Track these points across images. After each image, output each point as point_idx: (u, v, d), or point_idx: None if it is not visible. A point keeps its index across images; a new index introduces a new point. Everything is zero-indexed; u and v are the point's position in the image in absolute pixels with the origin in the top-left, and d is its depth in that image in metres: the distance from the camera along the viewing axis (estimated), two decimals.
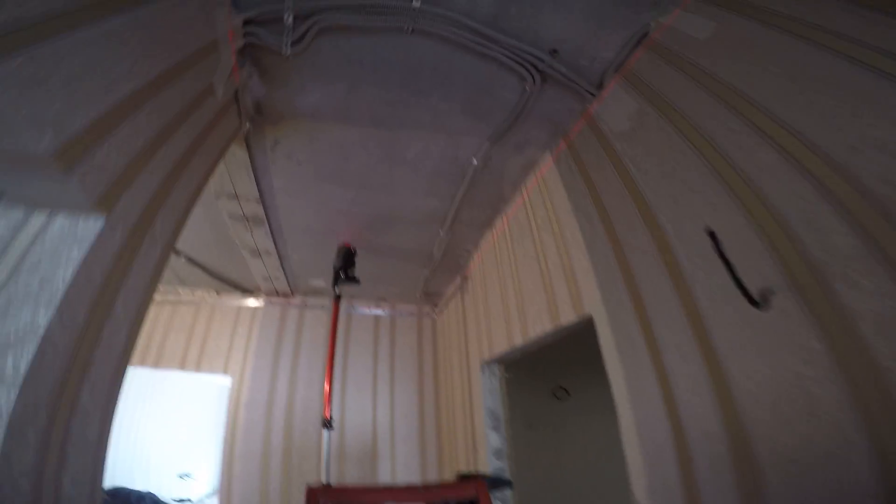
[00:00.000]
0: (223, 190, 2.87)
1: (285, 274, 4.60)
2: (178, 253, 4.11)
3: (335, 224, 3.46)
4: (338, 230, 3.55)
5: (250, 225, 3.39)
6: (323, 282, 4.83)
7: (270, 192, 2.95)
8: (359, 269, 3.85)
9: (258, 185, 2.82)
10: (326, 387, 3.39)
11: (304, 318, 5.30)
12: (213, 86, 1.68)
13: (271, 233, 3.56)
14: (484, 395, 3.54)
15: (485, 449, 3.43)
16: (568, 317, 2.16)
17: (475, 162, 2.61)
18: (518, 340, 2.85)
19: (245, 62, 1.85)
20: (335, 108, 2.12)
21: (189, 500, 6.82)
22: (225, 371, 4.99)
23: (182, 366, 5.09)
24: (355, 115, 2.19)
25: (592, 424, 4.15)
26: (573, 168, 2.27)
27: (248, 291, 5.26)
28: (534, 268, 2.68)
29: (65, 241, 1.16)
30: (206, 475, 6.39)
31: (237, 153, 2.45)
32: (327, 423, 3.31)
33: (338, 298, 3.67)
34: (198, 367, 5.06)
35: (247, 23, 1.68)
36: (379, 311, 5.57)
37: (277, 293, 5.33)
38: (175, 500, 6.70)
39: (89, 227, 1.22)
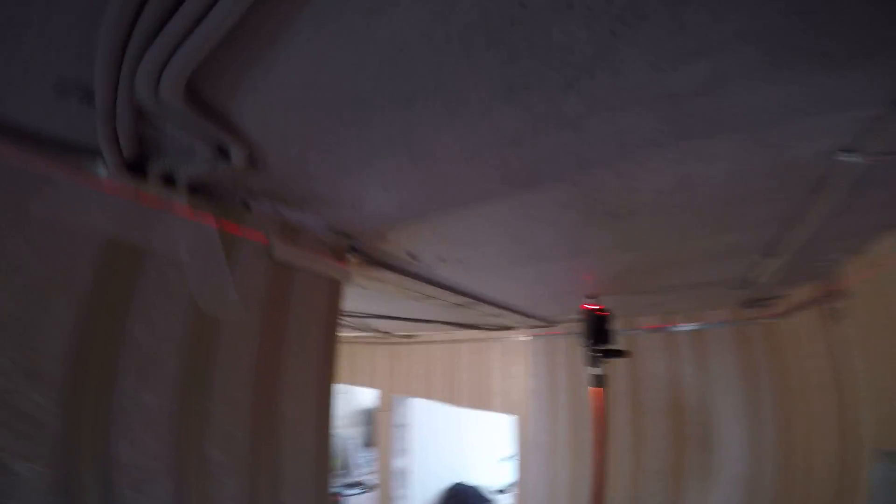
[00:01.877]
0: (409, 293, 2.24)
1: (534, 317, 3.78)
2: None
3: (564, 288, 2.32)
4: (573, 289, 2.39)
5: (465, 307, 2.70)
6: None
7: (459, 284, 2.12)
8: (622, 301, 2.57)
9: (437, 285, 2.03)
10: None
11: (574, 349, 4.36)
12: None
13: (495, 305, 2.76)
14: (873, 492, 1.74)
15: None
16: None
17: (852, 159, 0.94)
18: None
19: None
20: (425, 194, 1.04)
21: (503, 490, 7.48)
22: (509, 410, 4.71)
23: (474, 404, 5.13)
24: (475, 183, 1.02)
25: None
26: None
27: (508, 327, 4.75)
28: None
29: None
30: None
31: (387, 277, 1.71)
32: None
33: (600, 381, 2.51)
34: (487, 406, 4.98)
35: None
36: (673, 327, 3.98)
37: (538, 323, 4.59)
38: (495, 490, 7.50)
39: None
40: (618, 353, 2.34)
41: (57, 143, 0.88)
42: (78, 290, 0.93)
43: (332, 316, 1.35)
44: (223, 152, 0.85)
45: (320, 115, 0.77)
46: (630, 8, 0.58)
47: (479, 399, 5.06)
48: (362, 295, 2.23)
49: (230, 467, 1.04)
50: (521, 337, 4.73)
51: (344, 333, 6.07)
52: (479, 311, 2.89)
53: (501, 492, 7.68)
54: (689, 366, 3.91)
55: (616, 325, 3.98)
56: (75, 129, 0.84)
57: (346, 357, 6.67)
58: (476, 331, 5.11)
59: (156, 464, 0.95)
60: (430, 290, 2.06)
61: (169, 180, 0.98)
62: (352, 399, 9.14)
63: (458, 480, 7.48)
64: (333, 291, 1.35)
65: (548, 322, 4.24)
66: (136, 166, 0.93)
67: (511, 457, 8.23)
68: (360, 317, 4.12)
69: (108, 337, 0.96)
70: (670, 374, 3.95)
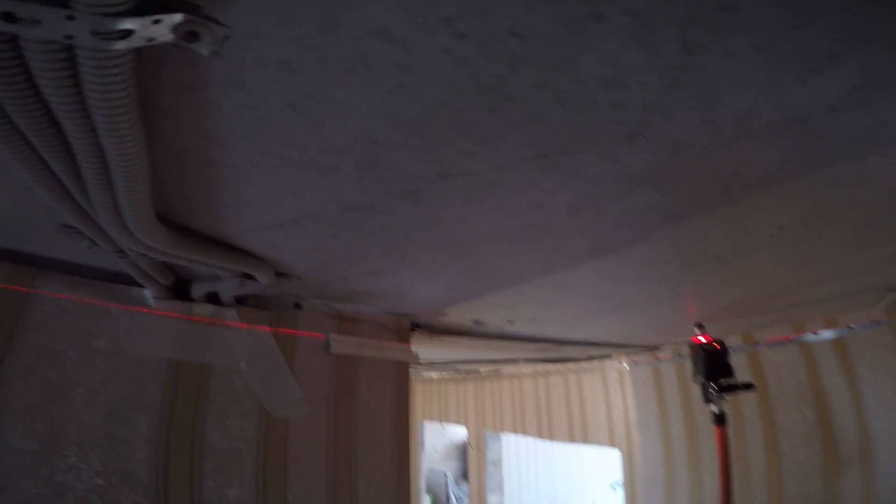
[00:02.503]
0: (481, 347, 2.10)
1: (632, 346, 3.40)
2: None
3: (664, 323, 2.02)
4: (676, 320, 2.06)
5: (546, 350, 2.48)
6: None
7: (535, 335, 1.93)
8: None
9: (510, 339, 1.87)
10: None
11: (686, 375, 3.83)
12: None
13: (580, 344, 2.51)
14: None
15: None
16: None
17: None
18: None
19: None
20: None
21: None
22: (611, 443, 4.27)
23: (571, 438, 4.76)
24: (529, 261, 0.85)
25: None
26: None
27: (605, 356, 4.34)
28: None
29: None
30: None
31: (455, 340, 1.59)
32: None
33: (720, 419, 2.09)
34: (585, 439, 4.59)
35: None
36: (806, 337, 3.32)
37: (641, 347, 4.13)
38: None
39: None
40: (741, 388, 1.95)
41: (108, 276, 0.91)
42: (152, 405, 0.98)
43: (400, 397, 1.26)
44: (248, 275, 0.81)
45: (320, 226, 0.68)
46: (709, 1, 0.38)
47: (577, 432, 4.68)
48: (443, 348, 2.13)
49: None
50: (619, 365, 4.31)
51: (430, 374, 6.05)
52: (562, 351, 2.65)
53: None
54: (833, 378, 3.23)
55: (732, 344, 3.40)
56: (113, 264, 0.85)
57: (434, 395, 6.62)
58: (568, 362, 4.78)
59: None
60: (503, 343, 1.89)
61: (215, 298, 0.97)
62: (447, 433, 9.03)
63: None
64: (400, 373, 1.26)
65: (650, 347, 3.81)
66: (181, 290, 0.93)
67: (620, 484, 7.61)
68: (442, 363, 4.03)
69: (187, 443, 1.01)
70: (810, 391, 3.29)
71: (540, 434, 5.32)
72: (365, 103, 0.45)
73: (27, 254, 0.90)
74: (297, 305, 1.08)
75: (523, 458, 6.77)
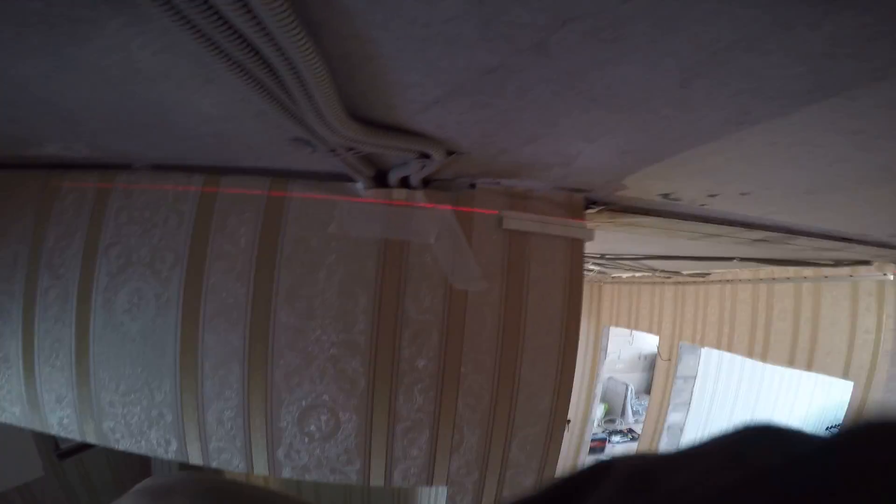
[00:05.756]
0: (678, 233, 1.88)
1: None
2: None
3: None
4: None
5: (771, 241, 2.07)
6: None
7: (751, 218, 1.62)
8: None
9: (715, 222, 1.62)
10: None
11: None
12: None
13: (823, 237, 2.01)
14: None
15: None
16: None
17: None
18: None
19: None
20: None
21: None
22: (845, 374, 3.43)
23: (790, 362, 4.02)
24: (712, 109, 0.66)
25: None
26: None
27: (860, 261, 3.37)
28: None
29: None
30: None
31: (642, 221, 1.47)
32: None
33: None
34: (809, 366, 3.81)
35: None
36: None
37: None
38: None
39: None
40: None
41: (332, 177, 1.16)
42: (369, 281, 1.23)
43: (573, 277, 1.28)
44: (426, 155, 0.91)
45: (469, 96, 0.70)
46: None
47: (799, 356, 3.90)
48: (631, 237, 2.02)
49: (473, 422, 1.20)
50: (880, 276, 3.30)
51: (622, 275, 5.70)
52: (796, 244, 2.15)
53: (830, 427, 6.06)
54: None
55: None
56: (333, 166, 1.08)
57: (625, 298, 6.26)
58: (803, 267, 3.89)
59: (421, 416, 1.19)
60: (707, 227, 1.66)
61: (407, 183, 1.14)
62: (635, 343, 8.72)
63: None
64: (573, 251, 1.26)
65: None
66: (382, 180, 1.13)
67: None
68: (632, 259, 3.79)
69: (391, 315, 1.23)
70: None
71: (751, 353, 4.66)
72: None
73: (279, 169, 1.22)
74: (472, 186, 1.19)
75: (723, 378, 6.09)
